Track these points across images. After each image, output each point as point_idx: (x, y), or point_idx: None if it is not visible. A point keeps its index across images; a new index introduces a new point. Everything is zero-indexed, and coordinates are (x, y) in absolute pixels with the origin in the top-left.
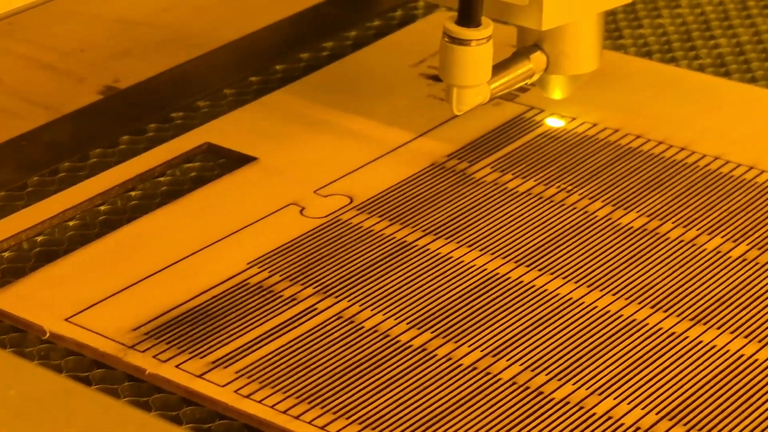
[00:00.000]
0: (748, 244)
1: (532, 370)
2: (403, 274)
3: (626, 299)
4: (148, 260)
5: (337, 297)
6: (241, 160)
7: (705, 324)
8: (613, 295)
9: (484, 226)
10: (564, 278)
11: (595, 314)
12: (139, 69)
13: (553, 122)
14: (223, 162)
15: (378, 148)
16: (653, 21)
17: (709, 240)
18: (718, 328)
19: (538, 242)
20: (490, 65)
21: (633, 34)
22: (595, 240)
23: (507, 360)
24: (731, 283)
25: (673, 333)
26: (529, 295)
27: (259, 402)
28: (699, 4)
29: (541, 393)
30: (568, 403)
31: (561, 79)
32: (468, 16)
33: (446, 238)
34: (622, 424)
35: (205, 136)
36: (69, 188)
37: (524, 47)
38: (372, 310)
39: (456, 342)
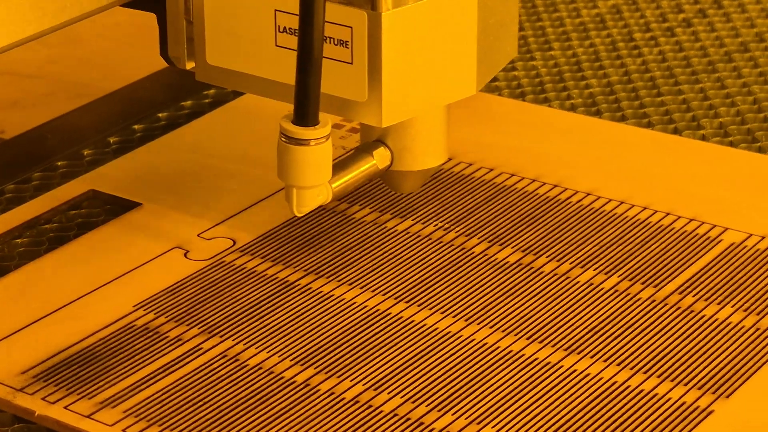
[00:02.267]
0: (619, 276)
1: (413, 402)
2: (286, 313)
3: (503, 331)
4: (36, 305)
5: (222, 336)
6: (126, 205)
7: (579, 353)
8: (491, 327)
9: (364, 265)
10: (442, 313)
11: (473, 346)
12: (26, 119)
13: None
14: (108, 208)
15: (260, 192)
16: (526, 63)
17: (582, 273)
18: (592, 357)
19: (417, 279)
20: (330, 164)
21: (507, 77)
22: (472, 275)
23: (388, 393)
24: (604, 313)
25: (548, 363)
26: (408, 329)
27: None
28: (570, 46)
29: (422, 423)
30: None
31: (407, 174)
32: (305, 115)
33: (327, 277)
34: None
35: (91, 183)
36: None
37: (367, 143)
38: (256, 348)
39: (338, 377)
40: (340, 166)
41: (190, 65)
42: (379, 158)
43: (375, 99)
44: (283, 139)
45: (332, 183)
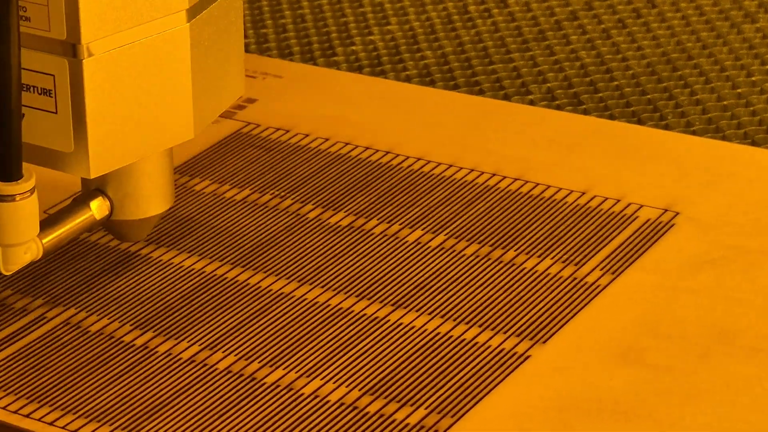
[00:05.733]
0: (446, 235)
1: (246, 359)
2: (124, 281)
3: (333, 290)
4: None
5: (64, 306)
6: None
7: (405, 308)
8: (322, 287)
9: (204, 233)
10: (276, 275)
11: (304, 306)
12: None
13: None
14: None
15: None
16: (365, 38)
17: (411, 233)
18: (417, 310)
19: (253, 244)
20: (37, 219)
21: (345, 51)
22: (306, 239)
23: (223, 352)
24: (430, 270)
25: (376, 318)
26: (243, 292)
27: None
28: (408, 20)
29: (254, 378)
30: (278, 386)
31: (129, 224)
32: (10, 170)
33: (167, 246)
34: (328, 401)
35: None
36: None
37: (85, 192)
38: (98, 315)
39: (176, 339)
40: (53, 219)
41: None
42: (97, 209)
43: (82, 149)
44: None
45: (43, 238)
